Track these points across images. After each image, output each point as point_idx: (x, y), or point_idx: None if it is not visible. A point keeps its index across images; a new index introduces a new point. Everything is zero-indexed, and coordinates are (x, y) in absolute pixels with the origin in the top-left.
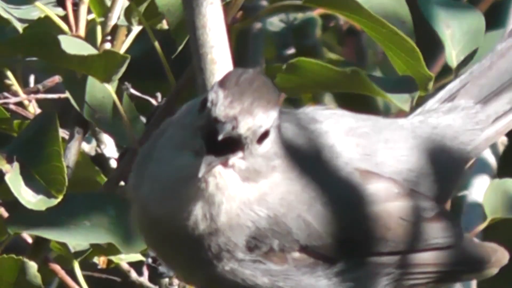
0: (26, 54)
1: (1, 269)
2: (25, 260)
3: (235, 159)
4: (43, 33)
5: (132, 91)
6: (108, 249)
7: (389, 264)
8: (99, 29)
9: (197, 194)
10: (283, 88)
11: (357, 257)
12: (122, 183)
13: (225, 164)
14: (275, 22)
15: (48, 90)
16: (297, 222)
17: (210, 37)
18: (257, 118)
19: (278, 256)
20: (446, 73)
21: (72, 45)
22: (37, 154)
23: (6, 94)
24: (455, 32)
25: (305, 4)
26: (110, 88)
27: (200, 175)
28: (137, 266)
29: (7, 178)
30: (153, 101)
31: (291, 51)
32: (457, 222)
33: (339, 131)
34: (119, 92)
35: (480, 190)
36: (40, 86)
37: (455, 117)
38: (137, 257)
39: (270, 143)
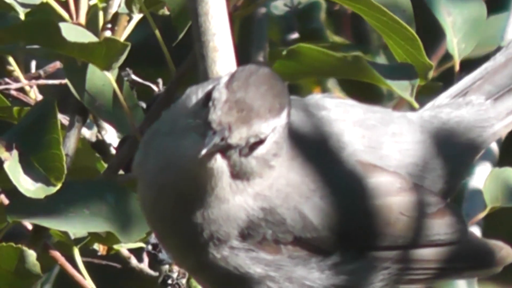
0: (27, 41)
1: (0, 257)
2: (24, 248)
3: (233, 152)
4: (45, 20)
5: (134, 77)
6: (107, 238)
7: (386, 258)
8: (100, 16)
9: (199, 171)
10: (283, 74)
11: (354, 251)
12: (121, 171)
13: (223, 153)
14: (280, 6)
15: (49, 76)
16: (292, 214)
17: (212, 25)
18: (254, 128)
19: (271, 246)
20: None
21: (73, 32)
22: (36, 141)
23: (7, 80)
24: (456, 19)
25: None
26: (111, 76)
27: (202, 152)
28: (137, 252)
29: (6, 166)
30: (155, 88)
31: (296, 35)
32: (461, 218)
33: (347, 120)
34: (119, 80)
35: (482, 177)
36: (41, 72)
37: (465, 113)
38: (137, 243)
39: (269, 146)
